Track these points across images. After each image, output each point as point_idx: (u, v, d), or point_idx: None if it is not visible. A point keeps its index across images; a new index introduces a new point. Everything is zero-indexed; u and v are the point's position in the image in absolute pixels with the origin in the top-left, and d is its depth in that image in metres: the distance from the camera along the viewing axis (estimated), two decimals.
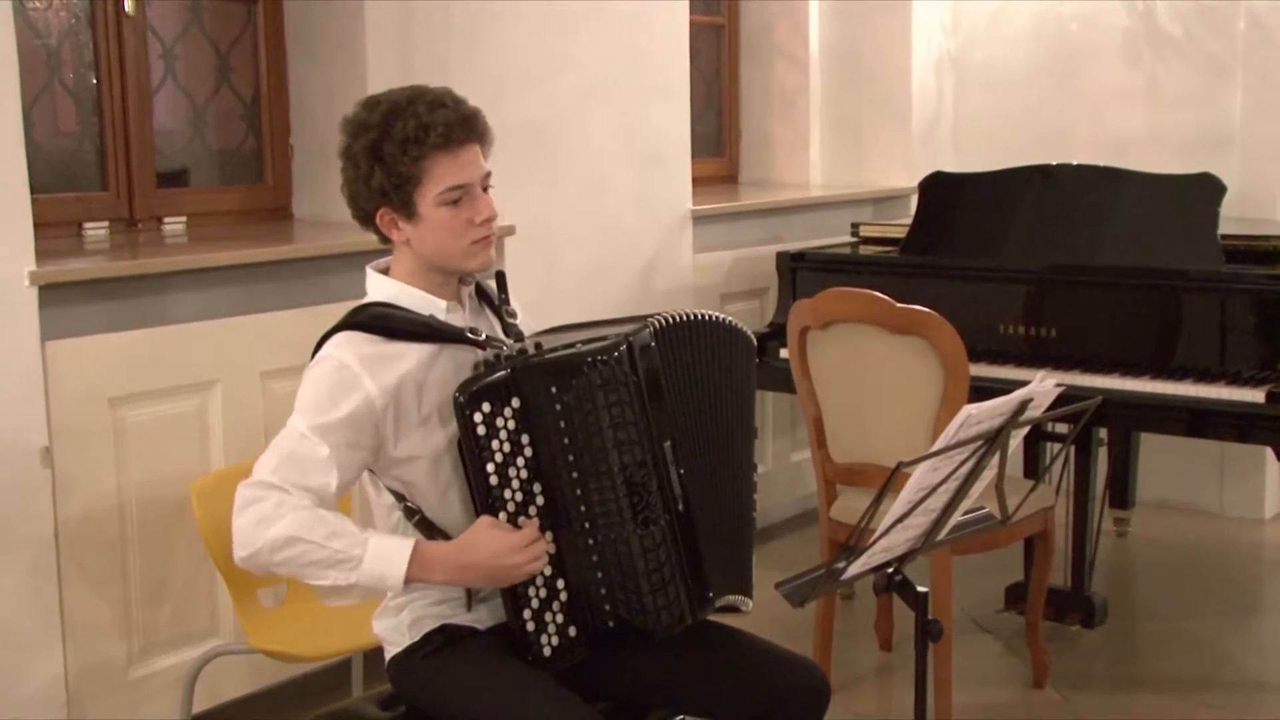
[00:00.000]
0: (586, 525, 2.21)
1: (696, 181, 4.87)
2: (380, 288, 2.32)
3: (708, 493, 2.31)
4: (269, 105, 4.07)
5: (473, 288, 2.38)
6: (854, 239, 4.78)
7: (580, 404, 2.17)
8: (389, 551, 2.13)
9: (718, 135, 5.75)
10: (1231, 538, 4.98)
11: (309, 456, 2.13)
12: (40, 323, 3.06)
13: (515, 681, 2.19)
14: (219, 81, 4.00)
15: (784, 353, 3.82)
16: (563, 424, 2.18)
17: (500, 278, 2.41)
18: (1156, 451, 4.85)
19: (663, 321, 2.29)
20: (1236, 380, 3.59)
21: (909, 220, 4.46)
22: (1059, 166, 4.17)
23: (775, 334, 4.18)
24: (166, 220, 3.80)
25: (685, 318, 2.32)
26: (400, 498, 2.24)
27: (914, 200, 4.52)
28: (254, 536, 2.10)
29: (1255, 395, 3.51)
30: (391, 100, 2.23)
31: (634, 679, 2.33)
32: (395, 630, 2.31)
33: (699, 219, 4.78)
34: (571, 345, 2.22)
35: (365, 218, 2.28)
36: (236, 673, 3.39)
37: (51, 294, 3.09)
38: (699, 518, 2.27)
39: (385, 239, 2.30)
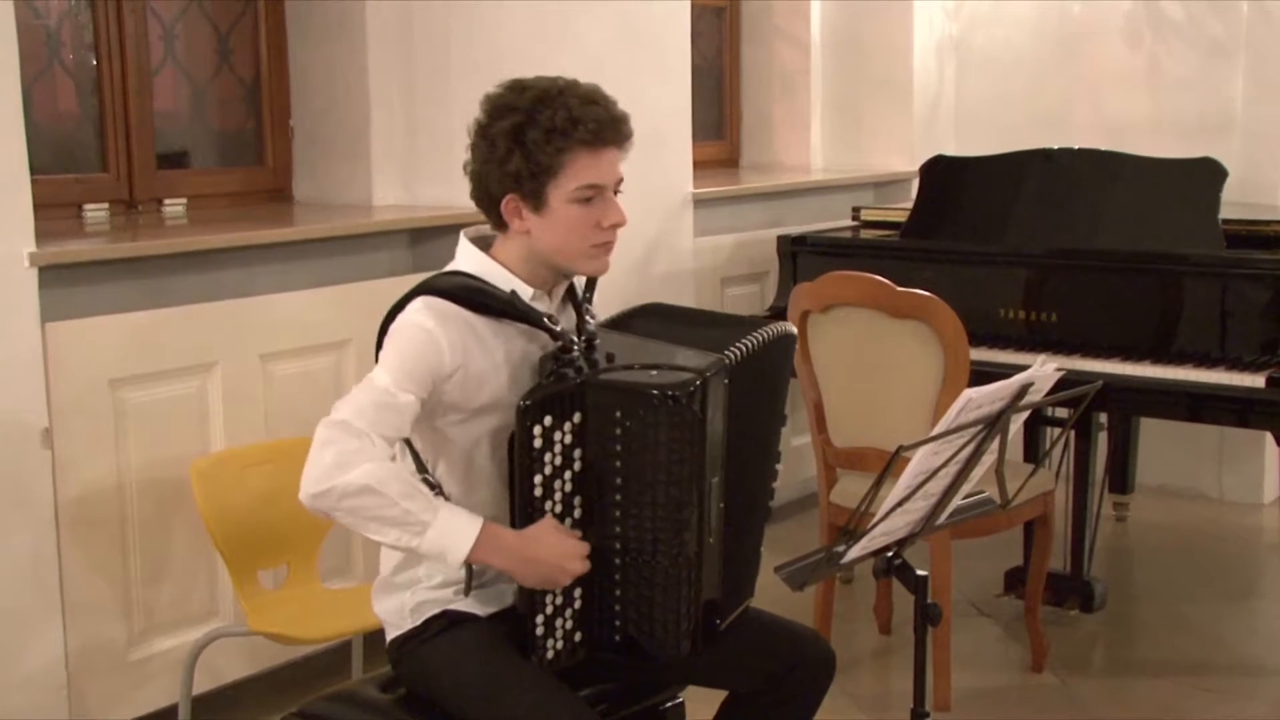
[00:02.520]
0: (617, 545, 2.17)
1: (697, 165, 4.85)
2: (469, 259, 2.27)
3: (739, 519, 2.27)
4: (269, 87, 4.06)
5: (566, 283, 2.33)
6: (855, 223, 4.77)
7: (642, 433, 2.10)
8: (458, 525, 2.10)
9: (718, 118, 5.73)
10: (1230, 522, 4.98)
11: (391, 405, 2.10)
12: (40, 304, 3.05)
13: (512, 671, 2.19)
14: (219, 63, 3.99)
15: None
16: (619, 448, 2.12)
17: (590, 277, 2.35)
18: (1156, 436, 4.85)
19: (738, 354, 2.19)
20: (1237, 365, 3.59)
21: (910, 204, 4.46)
22: (1060, 150, 4.16)
23: (776, 318, 4.17)
24: (166, 202, 3.79)
25: (758, 346, 2.23)
26: (423, 468, 2.22)
27: (915, 184, 4.51)
28: (328, 476, 2.05)
29: (1255, 380, 3.51)
30: (541, 87, 2.19)
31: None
32: (397, 613, 2.30)
33: (699, 202, 4.76)
34: (647, 367, 2.15)
35: (489, 201, 2.23)
36: (236, 654, 3.39)
37: (51, 275, 3.08)
38: (726, 550, 2.24)
39: (502, 225, 2.24)
